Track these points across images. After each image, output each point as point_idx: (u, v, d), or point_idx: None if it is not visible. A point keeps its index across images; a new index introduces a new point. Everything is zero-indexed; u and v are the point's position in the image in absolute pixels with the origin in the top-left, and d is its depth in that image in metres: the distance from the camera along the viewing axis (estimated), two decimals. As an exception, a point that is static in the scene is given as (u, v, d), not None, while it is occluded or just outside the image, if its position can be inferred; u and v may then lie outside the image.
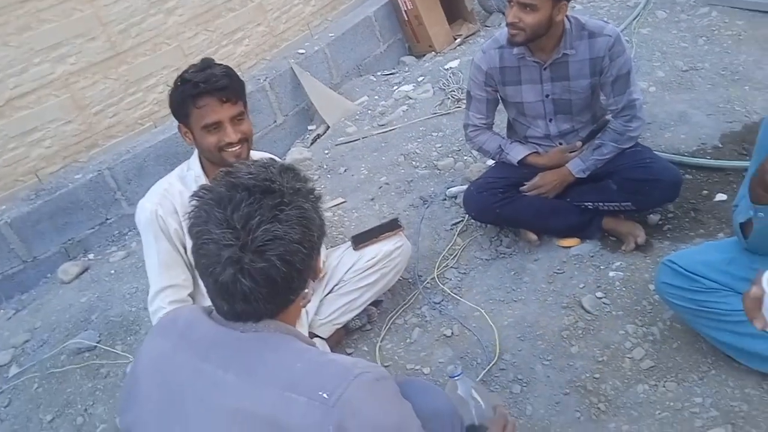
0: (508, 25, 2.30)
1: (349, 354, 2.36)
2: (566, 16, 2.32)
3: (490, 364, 2.16)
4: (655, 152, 2.54)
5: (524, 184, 2.59)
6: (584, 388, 2.02)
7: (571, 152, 2.54)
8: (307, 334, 2.19)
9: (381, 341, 2.39)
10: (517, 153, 2.59)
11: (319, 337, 2.25)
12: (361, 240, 2.37)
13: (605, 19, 4.06)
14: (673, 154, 2.82)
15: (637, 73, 3.48)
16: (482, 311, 2.38)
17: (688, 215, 2.55)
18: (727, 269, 1.87)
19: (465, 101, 2.72)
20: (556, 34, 2.33)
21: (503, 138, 2.67)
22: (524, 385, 2.08)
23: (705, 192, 2.63)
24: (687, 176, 2.69)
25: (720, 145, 2.84)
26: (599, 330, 2.20)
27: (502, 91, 2.55)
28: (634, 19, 3.99)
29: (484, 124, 2.64)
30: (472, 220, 2.79)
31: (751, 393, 1.86)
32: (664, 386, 1.96)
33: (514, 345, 2.23)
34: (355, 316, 2.37)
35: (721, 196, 2.58)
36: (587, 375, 2.06)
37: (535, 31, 2.27)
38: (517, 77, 2.48)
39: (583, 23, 2.36)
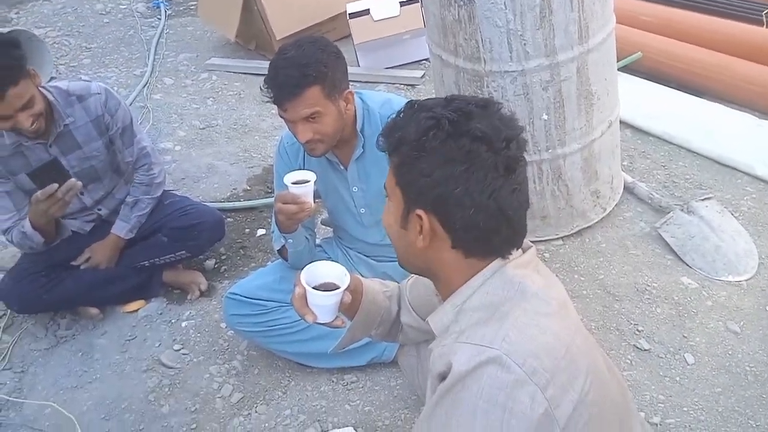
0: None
1: None
2: (45, 88, 2.20)
3: (78, 457, 1.95)
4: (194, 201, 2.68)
5: (69, 262, 2.42)
6: (184, 442, 2.00)
7: None
8: None
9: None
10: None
11: None
12: None
13: (115, 87, 4.12)
14: (212, 202, 3.02)
15: (160, 135, 3.61)
16: (54, 405, 2.13)
17: (238, 253, 2.75)
18: (279, 287, 2.10)
19: None
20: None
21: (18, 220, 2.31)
22: (122, 464, 1.94)
23: (247, 230, 2.88)
24: (229, 219, 2.90)
25: (248, 188, 3.16)
26: (185, 381, 2.20)
27: (16, 181, 2.26)
28: (144, 86, 4.13)
29: (17, 220, 2.27)
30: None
31: (325, 390, 2.12)
32: (256, 412, 2.07)
33: (100, 428, 2.06)
34: None
35: (261, 231, 2.86)
36: (184, 429, 2.04)
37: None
38: (23, 161, 2.24)
39: (66, 89, 2.27)
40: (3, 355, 2.35)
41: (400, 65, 4.04)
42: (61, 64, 4.51)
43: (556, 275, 1.21)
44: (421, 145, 1.06)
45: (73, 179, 2.10)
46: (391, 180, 1.14)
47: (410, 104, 1.14)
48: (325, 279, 1.35)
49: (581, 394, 1.04)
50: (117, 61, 4.56)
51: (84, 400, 2.17)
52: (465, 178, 1.05)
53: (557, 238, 2.56)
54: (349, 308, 1.42)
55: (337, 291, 1.31)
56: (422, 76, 3.89)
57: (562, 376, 1.02)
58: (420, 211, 1.09)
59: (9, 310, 2.48)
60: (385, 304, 1.51)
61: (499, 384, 0.99)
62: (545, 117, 2.33)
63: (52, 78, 4.14)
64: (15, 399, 2.19)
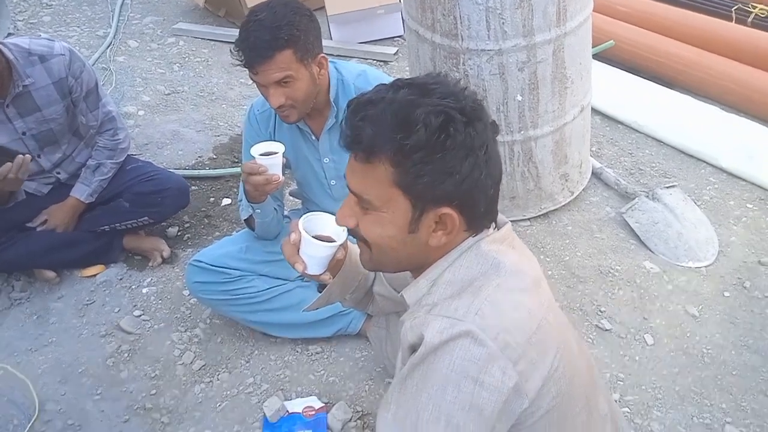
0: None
1: None
2: (4, 44, 2.10)
3: (32, 420, 1.89)
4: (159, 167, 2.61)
5: (25, 224, 2.34)
6: (143, 408, 1.96)
7: None
8: None
9: None
10: None
11: None
12: None
13: (77, 47, 3.97)
14: (176, 169, 2.95)
15: (123, 98, 3.51)
16: (7, 367, 2.06)
17: (202, 222, 2.70)
18: (245, 257, 2.06)
19: None
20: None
21: None
22: (78, 428, 1.89)
23: (212, 199, 2.82)
24: (194, 187, 2.83)
25: (215, 156, 3.10)
26: (146, 347, 2.15)
27: None
28: (108, 48, 3.99)
29: None
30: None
31: (289, 360, 2.10)
32: (218, 379, 2.05)
33: (55, 391, 2.00)
34: None
35: (226, 200, 2.81)
36: (144, 395, 2.00)
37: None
38: None
39: (27, 48, 2.16)
40: (-47, 316, 2.26)
41: (373, 41, 4.00)
42: (19, 20, 4.33)
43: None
44: (441, 143, 1.01)
45: (20, 156, 2.02)
46: (392, 190, 1.05)
47: (358, 107, 1.05)
48: (321, 231, 1.32)
49: (551, 369, 1.05)
50: (79, 20, 4.39)
51: (39, 363, 2.11)
52: (485, 161, 1.05)
53: (525, 219, 2.58)
54: (333, 268, 1.40)
55: (334, 243, 1.28)
56: (395, 53, 3.86)
57: (533, 351, 1.03)
58: (446, 209, 1.06)
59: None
60: (364, 270, 1.50)
61: (471, 357, 0.98)
62: (519, 98, 2.33)
63: (9, 34, 3.97)
64: (-35, 361, 2.11)
